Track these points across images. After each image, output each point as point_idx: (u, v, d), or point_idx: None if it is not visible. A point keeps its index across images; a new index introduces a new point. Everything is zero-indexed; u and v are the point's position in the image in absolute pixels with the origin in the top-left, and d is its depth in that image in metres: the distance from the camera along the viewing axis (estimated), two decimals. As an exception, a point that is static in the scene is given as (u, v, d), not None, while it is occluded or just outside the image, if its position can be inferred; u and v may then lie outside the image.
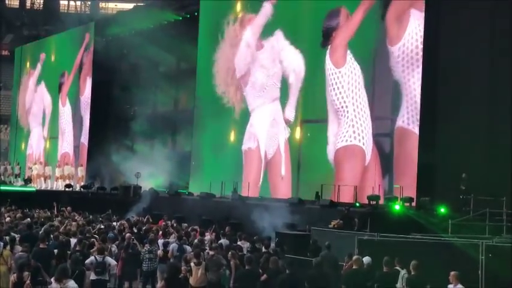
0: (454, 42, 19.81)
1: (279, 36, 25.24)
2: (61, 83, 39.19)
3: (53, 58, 40.86)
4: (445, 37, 20.04)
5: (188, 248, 13.86)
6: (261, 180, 25.49)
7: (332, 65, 22.98)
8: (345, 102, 22.35)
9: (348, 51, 22.48)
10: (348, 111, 22.20)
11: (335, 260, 13.24)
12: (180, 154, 30.81)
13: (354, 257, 12.02)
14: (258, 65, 26.26)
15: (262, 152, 25.63)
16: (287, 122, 24.64)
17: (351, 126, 22.06)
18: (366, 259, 12.31)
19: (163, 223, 19.41)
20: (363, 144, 21.67)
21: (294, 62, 24.51)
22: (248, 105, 26.53)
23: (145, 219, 20.21)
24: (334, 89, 22.71)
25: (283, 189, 24.25)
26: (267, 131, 25.56)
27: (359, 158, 21.73)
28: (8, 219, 18.20)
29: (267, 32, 25.94)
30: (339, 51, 22.81)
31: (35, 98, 42.13)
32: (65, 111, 38.55)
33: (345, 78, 22.39)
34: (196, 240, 14.61)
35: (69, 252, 12.55)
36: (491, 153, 19.80)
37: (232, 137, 27.30)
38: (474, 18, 19.72)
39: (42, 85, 41.32)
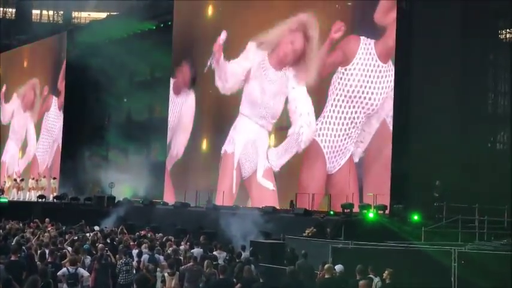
0: (425, 47, 19.98)
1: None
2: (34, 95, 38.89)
3: (25, 67, 40.52)
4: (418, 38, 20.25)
5: (161, 258, 13.78)
6: (234, 188, 25.51)
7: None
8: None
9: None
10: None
11: (311, 269, 13.24)
12: (155, 163, 30.67)
13: (326, 266, 11.99)
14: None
15: (236, 158, 25.66)
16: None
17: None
18: (338, 267, 12.30)
19: (147, 233, 19.24)
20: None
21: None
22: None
23: (119, 230, 20.03)
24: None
25: (258, 198, 24.28)
26: (247, 138, 25.59)
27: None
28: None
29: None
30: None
31: (7, 111, 41.73)
32: (43, 122, 38.21)
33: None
34: (170, 250, 14.54)
35: (40, 263, 12.38)
36: (464, 161, 20.00)
37: (204, 144, 27.37)
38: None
39: (14, 98, 40.93)
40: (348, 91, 21.62)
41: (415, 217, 18.12)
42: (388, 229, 17.35)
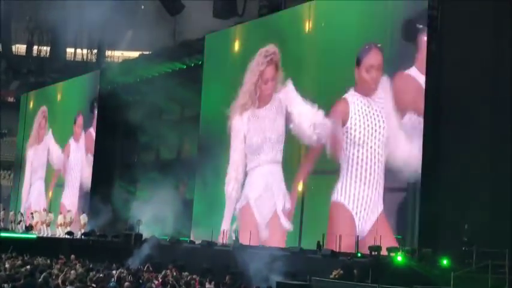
0: (455, 87, 19.90)
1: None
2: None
3: (59, 105, 41.18)
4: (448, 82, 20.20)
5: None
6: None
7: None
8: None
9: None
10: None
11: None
12: (183, 202, 30.74)
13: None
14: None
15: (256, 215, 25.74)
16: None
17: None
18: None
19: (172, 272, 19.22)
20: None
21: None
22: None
23: (145, 268, 20.05)
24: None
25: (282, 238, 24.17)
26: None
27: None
28: (7, 265, 18.05)
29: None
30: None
31: (37, 150, 42.31)
32: (71, 157, 38.65)
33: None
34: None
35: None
36: (494, 204, 19.69)
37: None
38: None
39: (49, 135, 41.51)
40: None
41: (444, 261, 17.83)
42: (416, 273, 17.07)
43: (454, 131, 19.77)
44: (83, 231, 32.36)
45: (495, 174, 19.87)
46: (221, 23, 30.82)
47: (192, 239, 27.36)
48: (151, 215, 28.80)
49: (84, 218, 34.18)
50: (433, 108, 20.28)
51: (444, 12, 20.65)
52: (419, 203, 19.90)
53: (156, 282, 15.99)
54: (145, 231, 28.21)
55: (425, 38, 20.51)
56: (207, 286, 16.21)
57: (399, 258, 18.09)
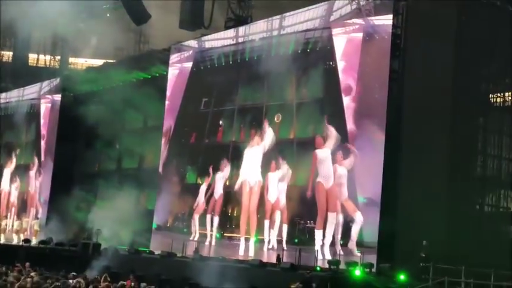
0: (415, 107, 20.20)
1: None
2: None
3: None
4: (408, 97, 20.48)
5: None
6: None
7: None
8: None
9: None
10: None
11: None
12: (143, 212, 30.50)
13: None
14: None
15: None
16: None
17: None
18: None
19: (131, 283, 18.99)
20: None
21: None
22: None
23: (102, 278, 19.79)
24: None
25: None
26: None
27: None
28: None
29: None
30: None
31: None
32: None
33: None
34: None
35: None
36: (452, 222, 20.03)
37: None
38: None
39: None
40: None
41: (402, 276, 18.04)
42: (373, 287, 17.25)
43: (415, 150, 20.05)
44: (36, 238, 31.84)
45: (454, 193, 20.26)
46: (187, 34, 30.78)
47: (151, 249, 27.16)
48: (111, 224, 28.51)
49: (37, 223, 33.63)
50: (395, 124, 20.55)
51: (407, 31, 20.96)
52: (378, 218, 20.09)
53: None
54: (103, 241, 27.90)
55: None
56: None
57: (357, 272, 18.24)
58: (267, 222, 23.88)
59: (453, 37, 20.77)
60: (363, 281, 17.80)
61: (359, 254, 19.82)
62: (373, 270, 18.90)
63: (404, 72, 20.77)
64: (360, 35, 21.74)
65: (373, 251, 19.65)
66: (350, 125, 21.38)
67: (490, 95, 23.25)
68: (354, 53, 21.92)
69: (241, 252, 24.41)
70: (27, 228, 33.65)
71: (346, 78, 21.96)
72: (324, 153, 22.11)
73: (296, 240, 22.49)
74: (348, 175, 21.19)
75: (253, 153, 25.18)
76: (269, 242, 23.56)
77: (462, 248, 19.11)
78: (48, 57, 50.91)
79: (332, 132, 21.97)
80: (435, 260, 18.06)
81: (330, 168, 21.80)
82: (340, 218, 21.17)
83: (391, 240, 19.56)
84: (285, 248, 22.43)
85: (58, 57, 49.15)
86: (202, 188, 27.22)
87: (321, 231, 21.59)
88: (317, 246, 21.33)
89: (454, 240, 19.39)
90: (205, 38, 28.85)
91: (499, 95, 23.26)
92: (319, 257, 20.86)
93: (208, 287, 19.06)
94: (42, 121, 37.99)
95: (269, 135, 24.62)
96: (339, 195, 21.36)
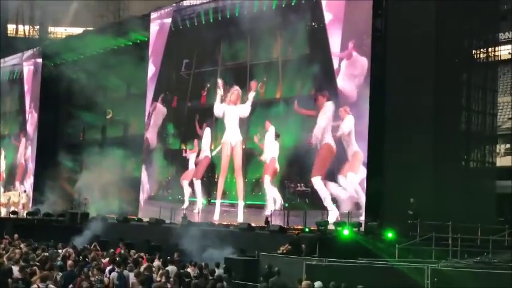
0: (399, 65, 20.12)
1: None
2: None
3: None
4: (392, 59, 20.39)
5: (131, 275, 13.61)
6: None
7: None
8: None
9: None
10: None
11: (284, 286, 13.18)
12: (130, 180, 30.42)
13: (304, 283, 11.87)
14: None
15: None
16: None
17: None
18: (317, 284, 12.28)
19: (121, 251, 19.02)
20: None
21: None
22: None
23: (91, 247, 19.81)
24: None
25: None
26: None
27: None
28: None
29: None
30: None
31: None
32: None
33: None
34: (143, 267, 14.38)
35: (10, 280, 12.17)
36: (438, 179, 20.13)
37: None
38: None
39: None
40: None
41: (390, 234, 18.16)
42: (362, 246, 17.36)
43: (399, 108, 20.02)
44: (24, 210, 31.77)
45: (439, 150, 20.33)
46: (167, 2, 30.36)
47: (139, 216, 27.17)
48: (98, 193, 28.45)
49: (25, 196, 33.53)
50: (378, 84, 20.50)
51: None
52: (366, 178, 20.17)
53: (104, 260, 15.81)
54: (91, 210, 27.86)
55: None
56: (155, 263, 16.10)
57: (346, 232, 18.33)
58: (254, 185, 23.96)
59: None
60: (351, 241, 17.90)
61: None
62: (361, 229, 19.00)
63: (386, 31, 20.62)
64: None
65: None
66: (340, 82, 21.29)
67: (473, 51, 23.16)
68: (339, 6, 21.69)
69: (229, 216, 24.47)
70: (15, 201, 33.47)
71: (333, 32, 21.67)
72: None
73: (287, 205, 22.52)
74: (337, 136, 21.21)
75: (237, 114, 25.00)
76: (258, 205, 23.55)
77: (449, 204, 19.24)
78: (27, 27, 50.30)
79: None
80: (422, 217, 18.17)
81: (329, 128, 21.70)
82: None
83: (379, 199, 19.65)
84: (274, 210, 22.49)
85: (37, 27, 48.54)
86: (191, 156, 27.01)
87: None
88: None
89: (440, 197, 19.50)
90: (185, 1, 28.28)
91: (482, 50, 23.17)
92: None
93: (199, 252, 19.07)
94: (26, 87, 37.47)
95: (252, 95, 24.42)
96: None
